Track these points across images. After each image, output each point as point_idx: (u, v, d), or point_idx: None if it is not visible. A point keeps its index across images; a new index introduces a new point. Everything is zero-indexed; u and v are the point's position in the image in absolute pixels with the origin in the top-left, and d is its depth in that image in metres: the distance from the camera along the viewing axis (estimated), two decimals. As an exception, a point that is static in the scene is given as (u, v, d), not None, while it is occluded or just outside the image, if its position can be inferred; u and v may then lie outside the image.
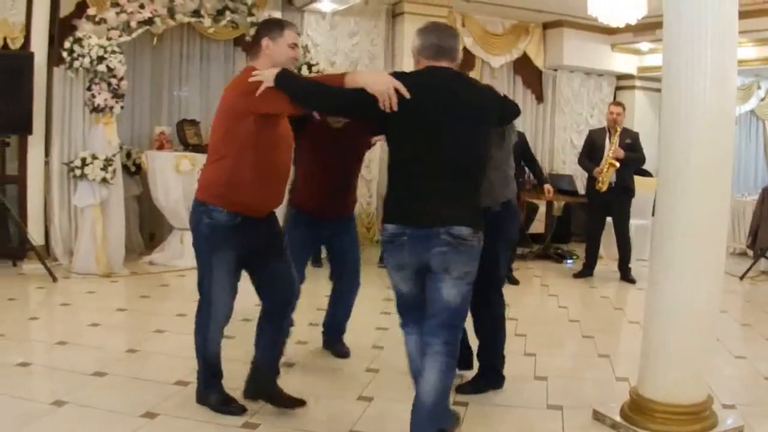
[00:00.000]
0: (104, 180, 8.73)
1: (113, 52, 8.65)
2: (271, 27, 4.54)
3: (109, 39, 8.70)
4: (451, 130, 3.96)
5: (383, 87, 3.88)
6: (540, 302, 8.82)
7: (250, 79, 4.25)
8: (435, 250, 3.91)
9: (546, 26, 13.26)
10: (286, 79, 4.17)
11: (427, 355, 3.99)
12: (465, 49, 12.46)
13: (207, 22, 9.54)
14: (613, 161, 9.57)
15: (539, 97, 13.75)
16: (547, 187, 10.07)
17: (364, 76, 4.19)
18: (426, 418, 3.95)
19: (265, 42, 4.46)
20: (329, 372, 5.67)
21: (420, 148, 3.99)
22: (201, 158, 9.44)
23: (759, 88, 15.31)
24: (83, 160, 8.67)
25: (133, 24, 8.92)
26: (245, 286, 4.69)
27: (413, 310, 4.19)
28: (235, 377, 4.81)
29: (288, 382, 5.03)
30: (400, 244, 4.00)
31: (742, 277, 10.18)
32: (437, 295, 4.00)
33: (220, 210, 4.39)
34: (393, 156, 4.17)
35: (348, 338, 6.13)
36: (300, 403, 4.72)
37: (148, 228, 10.77)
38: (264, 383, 4.73)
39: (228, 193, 4.38)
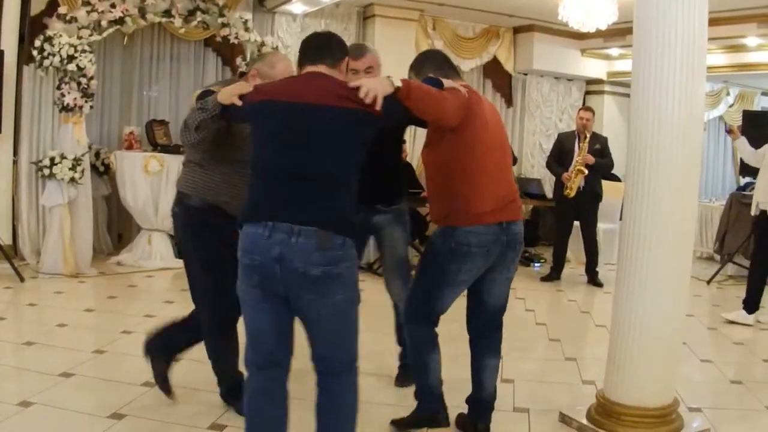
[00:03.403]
0: (73, 180, 8.68)
1: (84, 51, 8.61)
2: None
3: (79, 38, 8.64)
4: None
5: None
6: (507, 305, 8.82)
7: None
8: None
9: (517, 30, 13.26)
10: None
11: None
12: (435, 53, 12.48)
13: (178, 22, 9.49)
14: (582, 168, 9.62)
15: (508, 102, 13.73)
16: None
17: None
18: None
19: None
20: (296, 375, 5.65)
21: None
22: (169, 159, 9.43)
23: (728, 94, 15.43)
24: (52, 159, 8.63)
25: (104, 23, 8.86)
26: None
27: None
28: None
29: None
30: None
31: (709, 282, 10.26)
32: None
33: None
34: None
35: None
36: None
37: (116, 228, 10.73)
38: None
39: None
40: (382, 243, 5.36)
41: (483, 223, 4.31)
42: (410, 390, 4.77)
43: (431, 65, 4.49)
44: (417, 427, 4.66)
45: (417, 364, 4.66)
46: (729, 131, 8.62)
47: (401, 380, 5.49)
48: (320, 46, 3.81)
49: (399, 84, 3.72)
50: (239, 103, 3.78)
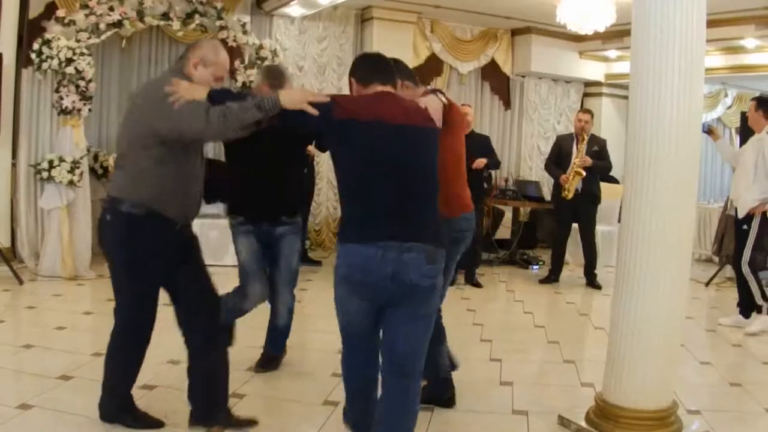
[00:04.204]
0: (71, 182, 8.69)
1: (82, 54, 8.62)
2: None
3: (77, 41, 8.65)
4: None
5: None
6: (506, 308, 8.84)
7: None
8: None
9: (514, 33, 13.28)
10: None
11: None
12: (433, 55, 12.51)
13: (176, 25, 9.50)
14: (579, 170, 9.62)
15: (507, 104, 13.74)
16: (480, 160, 9.41)
17: None
18: None
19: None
20: (294, 376, 5.66)
21: None
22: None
23: (726, 96, 15.45)
24: (50, 162, 8.63)
25: (102, 26, 8.87)
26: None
27: None
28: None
29: (254, 384, 5.03)
30: None
31: (707, 284, 10.27)
32: None
33: None
34: None
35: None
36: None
37: (114, 231, 10.70)
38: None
39: None
40: (279, 253, 5.54)
41: (470, 210, 5.02)
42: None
43: (402, 77, 4.52)
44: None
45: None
46: (708, 132, 8.60)
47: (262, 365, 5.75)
48: (387, 69, 3.91)
49: (445, 101, 4.11)
50: (313, 111, 3.65)
